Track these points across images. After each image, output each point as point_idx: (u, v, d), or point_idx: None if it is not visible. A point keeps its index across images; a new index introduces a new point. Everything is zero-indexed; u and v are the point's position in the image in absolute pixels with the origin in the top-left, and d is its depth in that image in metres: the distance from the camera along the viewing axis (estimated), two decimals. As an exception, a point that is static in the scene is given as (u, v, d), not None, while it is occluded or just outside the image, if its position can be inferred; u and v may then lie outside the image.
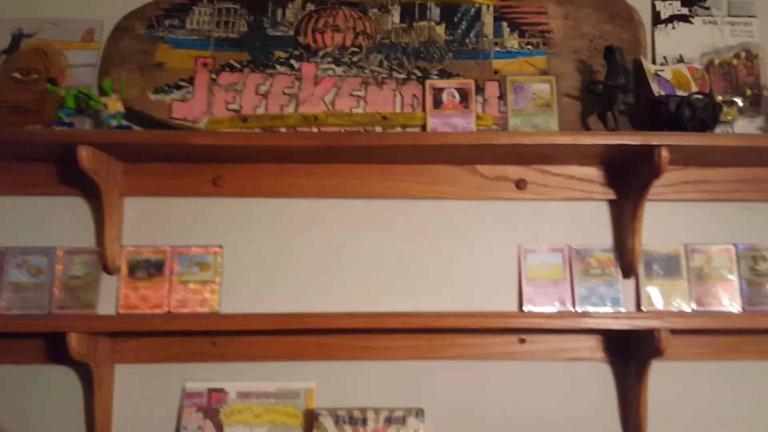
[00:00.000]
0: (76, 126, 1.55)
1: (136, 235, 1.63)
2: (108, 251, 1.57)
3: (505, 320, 1.45)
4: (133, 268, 1.60)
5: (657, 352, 1.43)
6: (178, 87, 1.63)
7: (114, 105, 1.54)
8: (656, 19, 1.75)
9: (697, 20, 1.75)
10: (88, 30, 1.71)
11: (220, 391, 1.57)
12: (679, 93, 1.63)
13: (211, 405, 1.56)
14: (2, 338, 1.57)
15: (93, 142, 1.47)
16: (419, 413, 1.53)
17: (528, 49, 1.68)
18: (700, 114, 1.53)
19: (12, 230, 1.63)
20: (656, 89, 1.62)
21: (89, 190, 1.59)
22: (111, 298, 1.60)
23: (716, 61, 1.69)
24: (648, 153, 1.46)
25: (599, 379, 1.60)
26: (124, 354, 1.58)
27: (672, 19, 1.75)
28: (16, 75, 1.61)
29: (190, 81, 1.64)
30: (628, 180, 1.59)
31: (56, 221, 1.64)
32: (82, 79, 1.65)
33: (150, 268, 1.60)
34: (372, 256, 1.63)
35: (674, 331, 1.44)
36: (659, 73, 1.67)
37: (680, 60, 1.72)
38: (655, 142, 1.44)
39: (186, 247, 1.62)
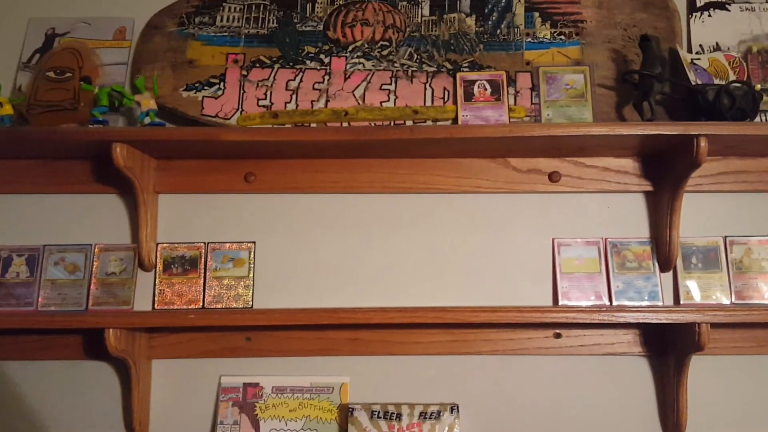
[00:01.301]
0: (109, 124, 1.57)
1: (170, 232, 1.64)
2: (143, 248, 1.59)
3: (541, 315, 1.43)
4: (168, 265, 1.62)
5: (697, 347, 1.40)
6: (210, 84, 1.64)
7: (147, 102, 1.55)
8: (692, 7, 1.71)
9: (734, 7, 1.70)
10: (120, 28, 1.72)
11: (256, 385, 1.58)
12: (717, 82, 1.60)
13: (247, 399, 1.57)
14: (41, 334, 1.60)
15: (127, 140, 1.48)
16: (454, 408, 1.52)
17: (560, 39, 1.65)
18: (739, 103, 1.49)
19: (49, 228, 1.66)
20: (693, 78, 1.59)
21: (124, 187, 1.61)
22: (147, 294, 1.61)
23: (754, 49, 1.65)
24: (686, 143, 1.43)
25: (637, 374, 1.58)
26: (160, 349, 1.60)
27: (708, 6, 1.71)
28: (50, 74, 1.62)
29: (221, 77, 1.64)
30: (665, 171, 1.56)
31: (92, 218, 1.65)
32: (114, 78, 1.67)
33: (185, 264, 1.61)
34: (405, 251, 1.62)
35: (714, 325, 1.41)
36: (695, 61, 1.64)
37: (717, 48, 1.68)
38: (694, 132, 1.41)
39: (220, 243, 1.63)
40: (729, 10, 1.70)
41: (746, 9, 1.70)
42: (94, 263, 1.62)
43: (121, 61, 1.69)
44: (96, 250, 1.63)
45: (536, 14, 1.67)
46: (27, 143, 1.54)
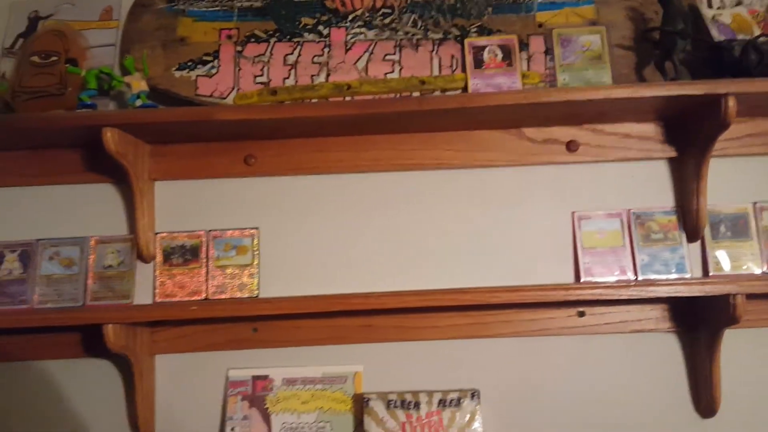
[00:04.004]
0: (99, 108, 1.49)
1: (169, 221, 1.56)
2: (141, 238, 1.51)
3: (564, 293, 1.35)
4: (168, 255, 1.54)
5: (732, 320, 1.32)
6: (203, 62, 1.55)
7: (137, 84, 1.47)
8: (711, -40, 1.61)
9: (756, -42, 1.60)
10: (106, 8, 1.63)
11: (265, 378, 1.50)
12: (741, 37, 1.50)
13: (256, 393, 1.50)
14: (38, 333, 1.52)
15: (118, 124, 1.40)
16: (475, 394, 1.44)
17: (574, -2, 1.56)
18: (767, 58, 1.40)
19: (42, 221, 1.58)
20: (716, 35, 1.50)
21: (118, 175, 1.52)
22: (148, 287, 1.53)
23: (779, 2, 1.55)
24: (712, 104, 1.34)
25: (666, 351, 1.49)
26: (163, 344, 1.52)
27: (729, -42, 1.61)
28: (35, 59, 1.54)
29: (215, 55, 1.55)
30: (690, 135, 1.47)
31: (87, 210, 1.57)
32: (102, 60, 1.58)
33: (185, 254, 1.53)
34: (417, 231, 1.54)
35: (748, 296, 1.33)
36: (717, 17, 1.54)
37: (739, 2, 1.58)
38: (722, 91, 1.31)
39: (221, 231, 1.54)
40: (750, -38, 1.60)
41: (769, -40, 1.60)
42: (90, 256, 1.54)
43: (109, 42, 1.60)
44: (92, 242, 1.55)
45: (547, -28, 1.57)
46: (12, 132, 1.45)
